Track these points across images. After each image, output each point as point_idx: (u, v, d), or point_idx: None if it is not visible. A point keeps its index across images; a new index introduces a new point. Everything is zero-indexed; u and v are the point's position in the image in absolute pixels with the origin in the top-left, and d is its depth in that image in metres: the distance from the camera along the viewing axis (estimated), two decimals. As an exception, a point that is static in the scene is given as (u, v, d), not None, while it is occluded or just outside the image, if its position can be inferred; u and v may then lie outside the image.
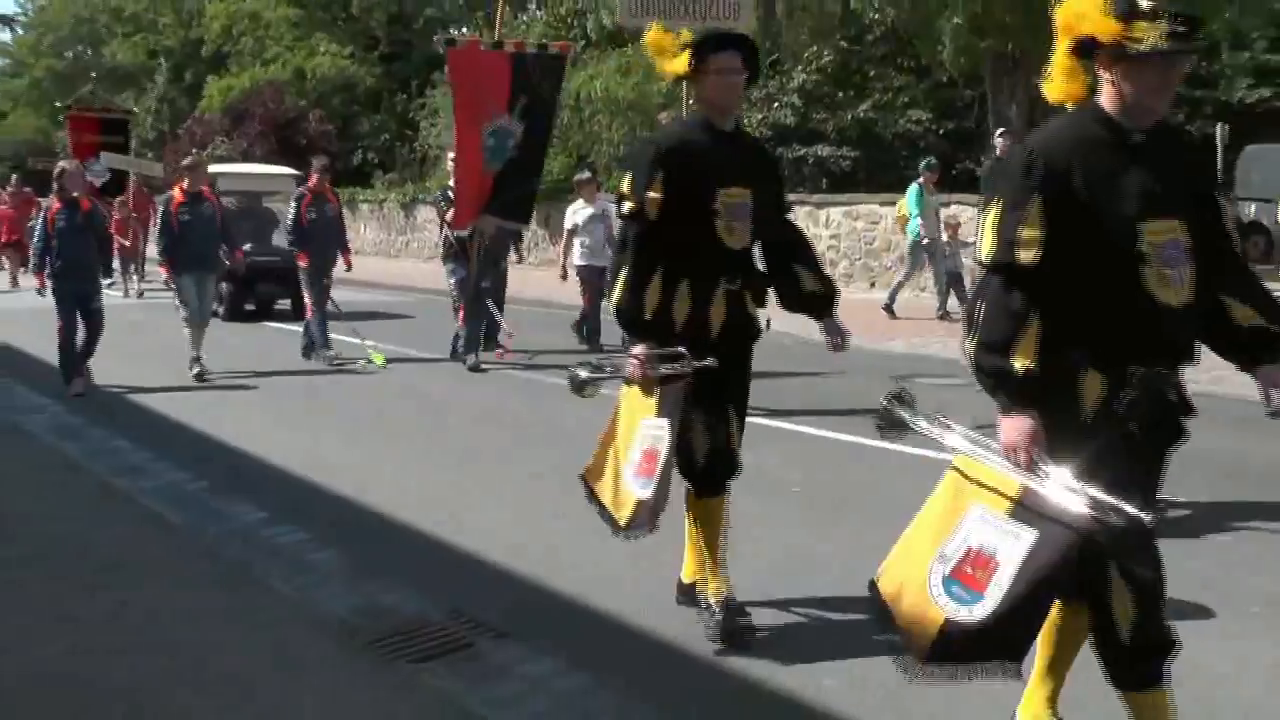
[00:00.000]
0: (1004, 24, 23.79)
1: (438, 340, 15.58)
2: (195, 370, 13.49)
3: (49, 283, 12.66)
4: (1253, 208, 27.53)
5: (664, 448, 5.28)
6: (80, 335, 12.71)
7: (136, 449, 9.92)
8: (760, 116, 27.23)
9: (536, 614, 6.10)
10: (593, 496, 5.73)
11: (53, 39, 69.43)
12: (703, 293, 5.51)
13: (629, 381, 5.55)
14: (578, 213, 15.91)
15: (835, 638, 5.57)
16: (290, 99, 44.86)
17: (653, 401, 5.41)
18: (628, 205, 5.48)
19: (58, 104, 41.81)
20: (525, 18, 41.13)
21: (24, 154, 59.37)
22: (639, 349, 5.44)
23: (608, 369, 6.14)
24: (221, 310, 19.15)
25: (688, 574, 5.98)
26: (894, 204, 20.32)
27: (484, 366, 14.25)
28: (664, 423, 5.34)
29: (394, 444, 10.22)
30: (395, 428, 11.00)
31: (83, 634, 5.64)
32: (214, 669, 5.21)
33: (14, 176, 35.65)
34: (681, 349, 5.39)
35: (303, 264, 15.16)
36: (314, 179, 15.36)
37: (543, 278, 24.43)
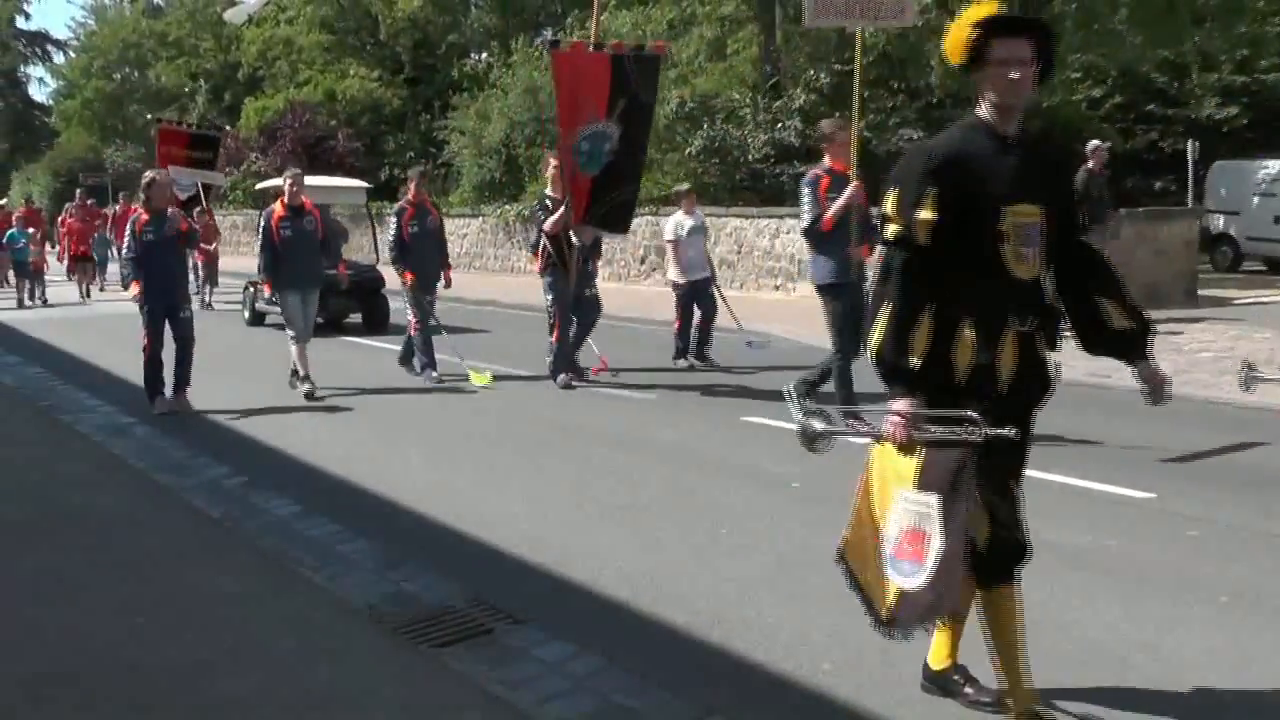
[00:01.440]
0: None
1: (518, 355, 14.64)
2: (305, 389, 12.34)
3: (139, 296, 11.63)
4: (1220, 220, 27.48)
5: (934, 529, 4.15)
6: (170, 350, 11.65)
7: (178, 447, 9.94)
8: (765, 136, 27.19)
9: (553, 601, 6.09)
10: (852, 579, 4.53)
11: (102, 62, 69.52)
12: (988, 335, 4.34)
13: (880, 439, 4.39)
14: (680, 225, 14.43)
15: (833, 625, 5.55)
16: (321, 119, 44.93)
17: (912, 468, 4.25)
18: (892, 228, 4.37)
19: (151, 115, 40.03)
20: (540, 43, 41.16)
21: (77, 170, 59.51)
22: (902, 403, 4.29)
23: (849, 423, 5.54)
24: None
25: (936, 659, 4.82)
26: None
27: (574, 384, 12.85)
28: (931, 500, 4.19)
29: (423, 443, 10.21)
30: (427, 429, 10.99)
31: (136, 619, 5.65)
32: (251, 652, 5.22)
33: (79, 190, 35.24)
34: (971, 413, 4.24)
35: (407, 281, 13.37)
36: (413, 190, 13.66)
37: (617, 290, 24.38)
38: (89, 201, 31.25)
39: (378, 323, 19.13)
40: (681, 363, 14.25)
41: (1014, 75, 4.26)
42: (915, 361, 4.28)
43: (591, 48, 12.63)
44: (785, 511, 7.71)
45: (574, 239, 12.72)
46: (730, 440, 10.04)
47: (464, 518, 7.58)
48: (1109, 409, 10.72)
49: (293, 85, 49.98)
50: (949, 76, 25.01)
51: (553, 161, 13.41)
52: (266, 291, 13.02)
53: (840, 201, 9.99)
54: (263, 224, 12.54)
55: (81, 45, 74.40)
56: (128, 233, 11.68)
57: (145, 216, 11.55)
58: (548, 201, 13.00)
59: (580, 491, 8.30)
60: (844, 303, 9.87)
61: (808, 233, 10.07)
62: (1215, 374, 12.41)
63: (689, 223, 14.45)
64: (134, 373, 13.84)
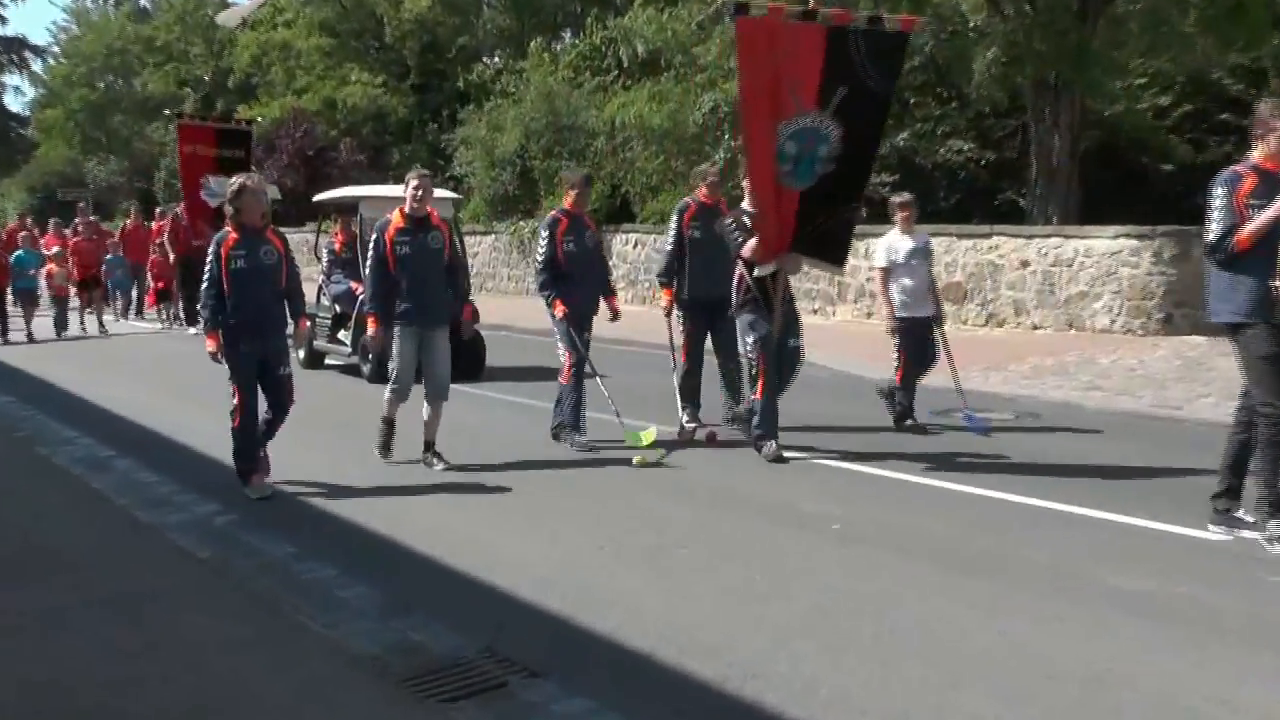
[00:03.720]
0: (1040, 52, 23.75)
1: (647, 402, 12.61)
2: (438, 466, 10.55)
3: (223, 341, 9.55)
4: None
5: None
6: (262, 411, 9.77)
7: (163, 482, 9.97)
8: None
9: (571, 653, 6.06)
10: None
11: (85, 69, 70.19)
12: None
13: None
14: (893, 248, 12.28)
15: (877, 679, 5.51)
16: (320, 129, 45.20)
17: None
18: None
19: (168, 112, 39.13)
20: (559, 46, 41.36)
21: (54, 185, 59.97)
22: None
23: None
24: (365, 370, 16.15)
25: None
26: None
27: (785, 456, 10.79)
28: None
29: (427, 478, 10.21)
30: (411, 454, 10.98)
31: (124, 665, 5.66)
32: (246, 704, 5.23)
33: (81, 205, 34.09)
34: None
35: (558, 313, 11.36)
36: (571, 197, 11.61)
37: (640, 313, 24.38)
38: (92, 218, 30.24)
39: (469, 367, 15.36)
40: (909, 422, 12.22)
41: None
42: None
43: (799, 17, 10.18)
44: (825, 554, 7.68)
45: (769, 269, 10.71)
46: (764, 475, 10.02)
47: (475, 560, 7.57)
48: (1179, 443, 10.68)
49: (289, 93, 50.33)
50: (993, 85, 24.98)
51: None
52: (371, 329, 10.57)
53: (1270, 212, 7.77)
54: (374, 238, 10.57)
55: (62, 51, 75.08)
56: (209, 260, 9.56)
57: (234, 236, 9.47)
58: (745, 219, 10.99)
59: (600, 532, 8.28)
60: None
61: (1216, 249, 7.97)
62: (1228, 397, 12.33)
63: (906, 244, 12.28)
64: (115, 400, 13.96)
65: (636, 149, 30.62)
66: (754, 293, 10.82)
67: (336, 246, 17.91)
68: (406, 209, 10.43)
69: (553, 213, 11.72)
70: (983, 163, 29.81)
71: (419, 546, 7.95)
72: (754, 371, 10.88)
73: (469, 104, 38.78)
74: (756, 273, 10.68)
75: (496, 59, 47.14)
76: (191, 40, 63.20)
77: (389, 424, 10.82)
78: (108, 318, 25.99)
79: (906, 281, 12.14)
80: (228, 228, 9.57)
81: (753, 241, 10.66)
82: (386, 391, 10.69)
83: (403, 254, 10.37)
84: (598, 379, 11.54)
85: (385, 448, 10.80)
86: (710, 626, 6.31)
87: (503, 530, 8.45)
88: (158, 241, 25.95)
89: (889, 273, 12.20)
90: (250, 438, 9.61)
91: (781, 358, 10.94)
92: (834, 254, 10.93)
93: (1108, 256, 19.70)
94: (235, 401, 9.55)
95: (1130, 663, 5.73)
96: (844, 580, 7.11)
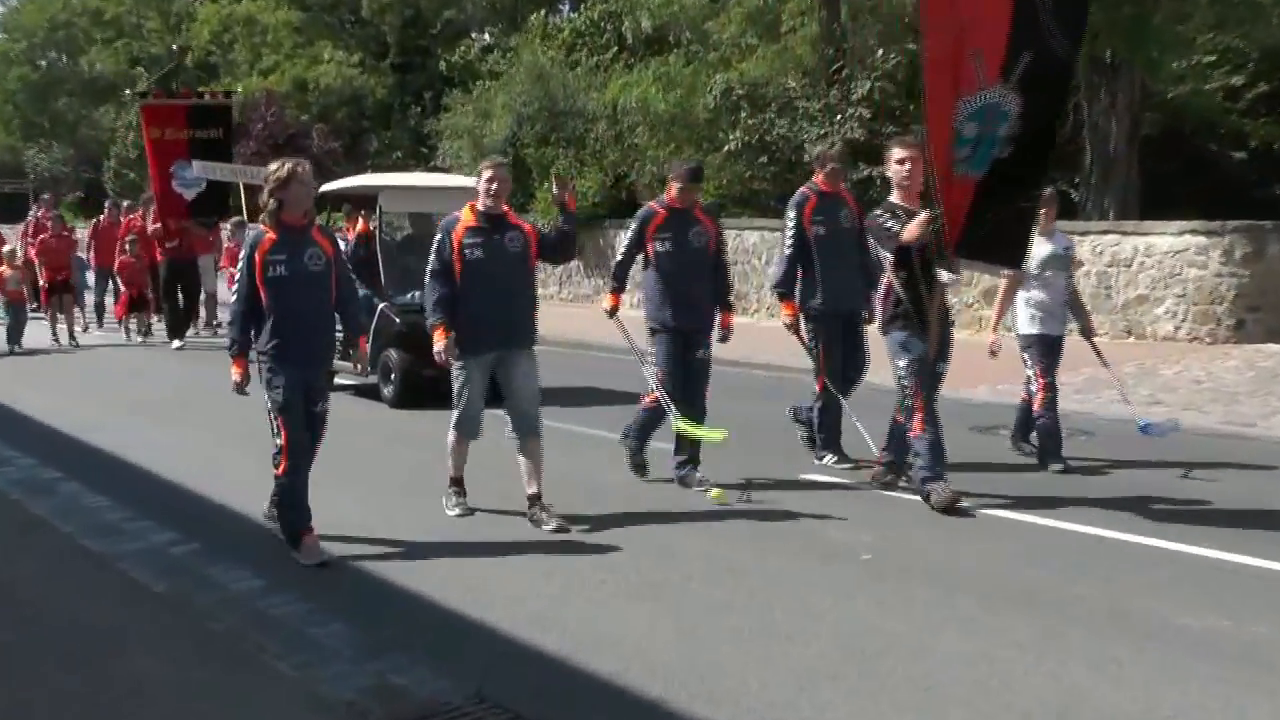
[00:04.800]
0: (1095, 26, 23.70)
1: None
2: (454, 508, 9.80)
3: (262, 366, 8.59)
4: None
5: None
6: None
7: (113, 508, 9.95)
8: (820, 132, 27.17)
9: (570, 699, 6.07)
10: None
11: (25, 45, 70.25)
12: None
13: None
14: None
15: (912, 726, 5.52)
16: (290, 113, 45.25)
17: None
18: None
19: (129, 91, 37.26)
20: (557, 20, 41.43)
21: (-11, 176, 60.08)
22: None
23: None
24: (386, 392, 15.54)
25: None
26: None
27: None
28: None
29: (409, 500, 10.21)
30: (413, 483, 10.98)
31: (69, 711, 5.66)
32: (203, 757, 5.23)
33: (44, 197, 32.28)
34: None
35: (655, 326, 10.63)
36: (674, 190, 10.57)
37: (576, 314, 24.45)
38: (54, 212, 27.89)
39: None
40: (1056, 467, 11.18)
41: None
42: None
43: None
44: (852, 588, 7.68)
45: (940, 276, 9.87)
46: (787, 501, 10.01)
47: (462, 595, 7.56)
48: (1251, 464, 10.68)
49: (255, 73, 50.45)
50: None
51: (898, 154, 10.22)
52: (439, 342, 9.47)
53: None
54: (438, 238, 9.62)
55: (1, 26, 75.20)
56: (240, 265, 8.61)
57: (271, 237, 8.49)
58: (899, 210, 9.97)
59: (603, 563, 8.28)
60: None
61: None
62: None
63: (1044, 248, 11.35)
64: (60, 416, 13.95)
65: (642, 136, 30.62)
66: (906, 304, 9.91)
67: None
68: (480, 205, 9.55)
69: (646, 207, 10.94)
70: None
71: (400, 579, 7.95)
72: (908, 400, 9.91)
73: (454, 87, 38.85)
74: (951, 276, 9.84)
75: (487, 35, 47.23)
76: (145, 13, 63.38)
77: (459, 485, 9.87)
78: (78, 328, 24.53)
79: (1038, 294, 11.33)
80: (261, 227, 8.64)
81: (919, 219, 9.54)
82: (450, 432, 9.72)
83: (473, 258, 9.41)
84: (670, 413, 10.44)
85: (462, 506, 9.78)
86: (725, 669, 6.31)
87: (494, 560, 8.44)
88: (128, 239, 24.12)
89: (1018, 282, 11.31)
90: (301, 487, 8.56)
91: (935, 376, 10.10)
92: (1008, 254, 9.94)
93: (1171, 255, 19.70)
94: (281, 441, 8.51)
95: (1199, 712, 5.73)
96: (875, 617, 7.10)
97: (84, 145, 63.80)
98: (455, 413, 9.64)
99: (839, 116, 27.32)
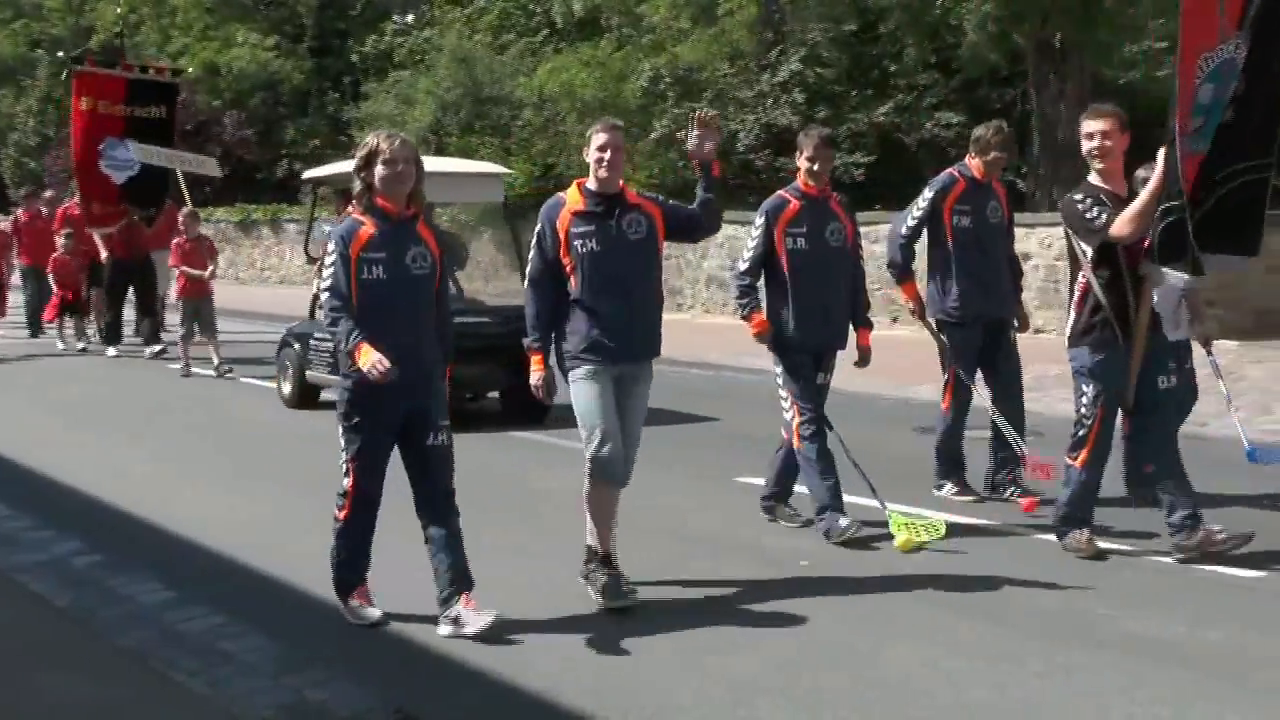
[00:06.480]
0: (1044, 10, 23.88)
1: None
2: (600, 587, 7.57)
3: (343, 394, 7.29)
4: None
5: None
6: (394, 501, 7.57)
7: (12, 516, 9.85)
8: (753, 117, 27.27)
9: (498, 713, 6.07)
10: None
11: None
12: None
13: None
14: None
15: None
16: (201, 99, 44.92)
17: None
18: None
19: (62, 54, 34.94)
20: (483, 2, 41.36)
21: None
22: None
23: None
24: None
25: None
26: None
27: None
28: None
29: (321, 507, 10.14)
30: (326, 488, 10.90)
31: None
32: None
33: (45, 193, 28.49)
34: None
35: (755, 332, 9.39)
36: (803, 171, 9.31)
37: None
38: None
39: (536, 405, 11.85)
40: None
41: None
42: None
43: None
44: (791, 596, 7.69)
45: (1172, 278, 8.20)
46: (723, 507, 10.02)
47: (385, 607, 7.52)
48: (1203, 465, 10.75)
49: (164, 56, 50.06)
50: (987, 46, 25.01)
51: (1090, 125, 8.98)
52: (536, 370, 7.87)
53: None
54: (538, 229, 7.88)
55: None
56: (332, 260, 7.12)
57: (368, 230, 7.12)
58: (1103, 196, 8.53)
59: (534, 572, 8.26)
60: None
61: None
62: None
63: None
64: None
65: (570, 123, 30.63)
66: (1107, 311, 8.45)
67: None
68: (589, 182, 7.86)
69: (778, 194, 9.51)
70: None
71: (320, 591, 7.87)
72: (1083, 431, 8.62)
73: (373, 74, 38.79)
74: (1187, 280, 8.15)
75: (409, 17, 47.09)
76: (46, -8, 62.70)
77: (607, 561, 7.73)
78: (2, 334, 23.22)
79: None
80: (354, 214, 7.28)
81: (1135, 206, 8.16)
82: (585, 483, 7.72)
83: (587, 253, 7.68)
84: (841, 446, 9.32)
85: (615, 590, 7.54)
86: (661, 681, 6.32)
87: (420, 572, 8.38)
88: (63, 234, 21.99)
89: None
90: (363, 541, 7.44)
91: (1155, 405, 8.67)
92: (1239, 238, 8.34)
93: (1120, 247, 19.80)
94: (347, 485, 7.31)
95: (1153, 718, 5.78)
96: (819, 627, 7.12)
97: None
98: (587, 452, 7.63)
99: (770, 101, 27.43)
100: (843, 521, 8.91)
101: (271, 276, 39.44)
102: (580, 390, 7.65)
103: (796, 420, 9.15)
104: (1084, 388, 8.62)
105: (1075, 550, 8.50)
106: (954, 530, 9.03)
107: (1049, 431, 13.12)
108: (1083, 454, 8.56)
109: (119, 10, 53.92)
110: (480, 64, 33.41)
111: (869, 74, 30.72)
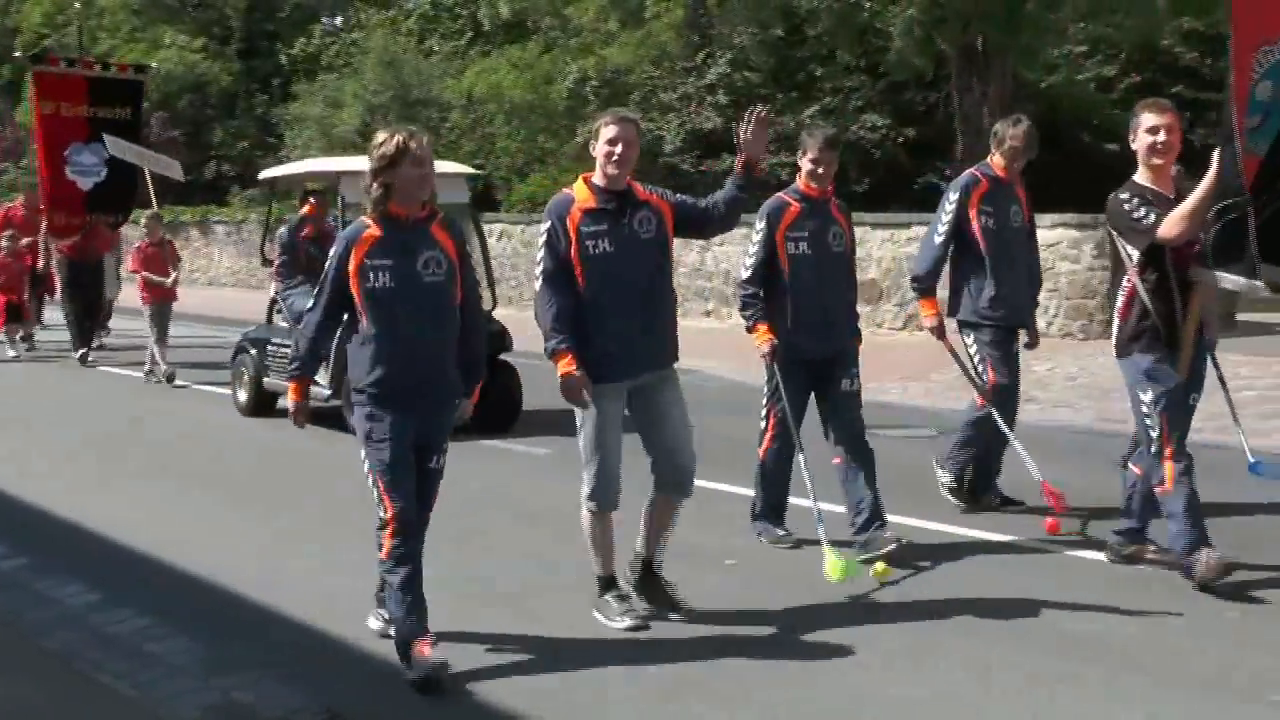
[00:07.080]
0: (963, 11, 24.03)
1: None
2: (622, 623, 7.18)
3: (359, 410, 6.71)
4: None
5: None
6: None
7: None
8: (679, 121, 27.30)
9: (424, 713, 6.05)
10: None
11: None
12: None
13: None
14: None
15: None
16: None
17: None
18: None
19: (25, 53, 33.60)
20: (410, 4, 41.26)
21: None
22: None
23: None
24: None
25: None
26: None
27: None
28: None
29: (255, 509, 10.11)
30: (258, 490, 10.88)
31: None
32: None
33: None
34: None
35: (761, 341, 8.75)
36: (803, 174, 8.87)
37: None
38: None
39: (502, 414, 13.20)
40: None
41: None
42: None
43: None
44: (719, 595, 7.69)
45: (1226, 282, 7.88)
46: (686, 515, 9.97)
47: (311, 606, 7.50)
48: (1202, 473, 10.78)
49: (90, 57, 49.67)
50: (912, 50, 25.16)
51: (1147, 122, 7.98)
52: (564, 370, 7.07)
53: None
54: (547, 226, 7.28)
55: None
56: (329, 264, 6.73)
57: (374, 233, 6.65)
58: (1150, 195, 7.87)
59: (462, 571, 8.24)
60: None
61: None
62: (1260, 417, 12.58)
63: None
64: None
65: (499, 124, 30.60)
66: (1155, 317, 7.90)
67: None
68: (597, 178, 7.27)
69: (775, 196, 9.00)
70: (901, 141, 30.16)
71: (249, 592, 7.87)
72: (1157, 447, 7.84)
73: (301, 76, 38.63)
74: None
75: (338, 20, 46.92)
76: (-32, -7, 62.00)
77: (613, 584, 7.45)
78: None
79: None
80: (364, 219, 6.77)
81: (1186, 205, 7.51)
82: (584, 506, 7.38)
83: (598, 254, 7.14)
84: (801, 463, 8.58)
85: (631, 615, 7.27)
86: (591, 682, 6.33)
87: (351, 573, 8.36)
88: (4, 235, 21.39)
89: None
90: (413, 577, 6.57)
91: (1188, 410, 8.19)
92: None
93: (1043, 249, 19.91)
94: (385, 514, 6.53)
95: (1069, 717, 5.87)
96: (742, 625, 7.15)
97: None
98: (586, 475, 7.30)
99: (694, 103, 27.48)
100: (779, 531, 8.83)
101: (200, 278, 39.14)
102: (587, 415, 7.20)
103: (771, 426, 8.86)
104: (1143, 395, 7.95)
105: (1210, 574, 7.51)
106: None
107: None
108: (1167, 472, 7.74)
109: (42, 11, 53.39)
110: (408, 66, 33.35)
111: (795, 77, 30.84)
